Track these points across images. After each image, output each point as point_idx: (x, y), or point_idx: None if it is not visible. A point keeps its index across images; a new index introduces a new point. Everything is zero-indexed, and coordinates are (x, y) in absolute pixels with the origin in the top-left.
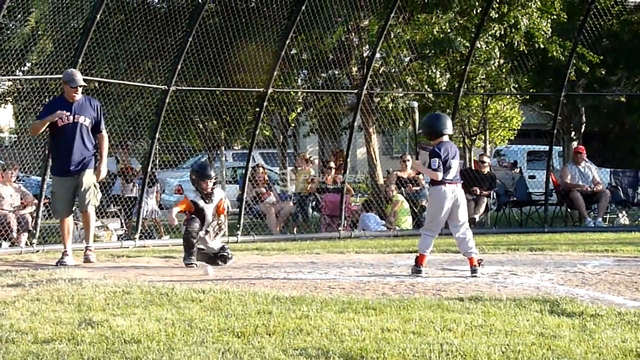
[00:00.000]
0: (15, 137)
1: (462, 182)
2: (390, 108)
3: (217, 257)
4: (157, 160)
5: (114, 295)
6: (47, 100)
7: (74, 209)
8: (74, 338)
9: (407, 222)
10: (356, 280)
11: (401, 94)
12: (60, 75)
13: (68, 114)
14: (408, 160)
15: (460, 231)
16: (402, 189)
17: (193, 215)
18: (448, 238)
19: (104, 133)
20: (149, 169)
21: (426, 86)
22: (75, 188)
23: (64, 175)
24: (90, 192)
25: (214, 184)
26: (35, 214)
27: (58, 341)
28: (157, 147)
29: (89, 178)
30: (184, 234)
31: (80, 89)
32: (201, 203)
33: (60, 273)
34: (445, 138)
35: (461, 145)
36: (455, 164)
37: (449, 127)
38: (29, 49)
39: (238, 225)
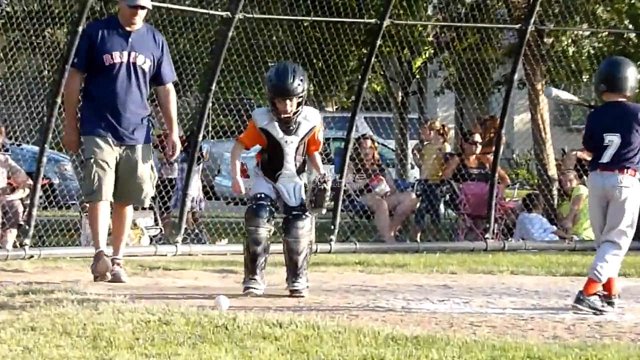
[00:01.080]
0: None
1: (628, 168)
2: (571, 54)
3: (287, 222)
4: (210, 125)
5: (147, 327)
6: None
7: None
8: None
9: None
10: (513, 315)
11: (587, 33)
12: None
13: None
14: None
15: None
16: (586, 177)
17: (260, 197)
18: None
19: (171, 86)
20: (199, 137)
21: (626, 21)
22: (118, 164)
23: (108, 135)
24: (147, 179)
25: (300, 104)
26: (29, 201)
27: None
28: (212, 104)
29: (147, 158)
30: (245, 238)
31: (142, 12)
32: (276, 133)
33: (64, 291)
34: (614, 98)
35: None
36: (614, 140)
37: (618, 83)
38: None
39: (332, 227)
